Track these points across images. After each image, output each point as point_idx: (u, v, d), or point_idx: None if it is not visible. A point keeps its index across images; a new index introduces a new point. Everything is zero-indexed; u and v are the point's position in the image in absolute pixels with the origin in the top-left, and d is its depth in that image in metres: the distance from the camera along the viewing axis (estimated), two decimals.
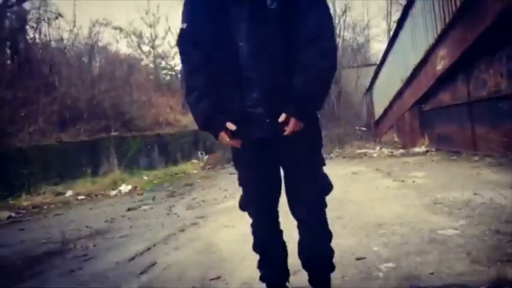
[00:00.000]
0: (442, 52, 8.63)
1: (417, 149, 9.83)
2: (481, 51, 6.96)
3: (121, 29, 15.61)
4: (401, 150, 10.06)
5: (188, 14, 1.58)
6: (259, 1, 1.44)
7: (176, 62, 20.36)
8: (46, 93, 8.81)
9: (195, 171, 9.92)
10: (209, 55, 1.52)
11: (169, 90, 14.50)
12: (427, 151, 9.30)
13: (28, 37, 10.59)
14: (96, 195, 6.88)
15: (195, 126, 10.83)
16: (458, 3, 7.57)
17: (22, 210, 5.79)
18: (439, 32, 8.65)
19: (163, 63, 20.14)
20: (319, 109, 1.56)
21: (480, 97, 7.11)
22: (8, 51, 10.26)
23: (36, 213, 5.61)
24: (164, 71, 19.23)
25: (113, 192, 7.02)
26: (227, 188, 6.27)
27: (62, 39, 11.08)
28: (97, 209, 5.54)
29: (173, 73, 19.34)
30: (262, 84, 1.46)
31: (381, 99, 15.28)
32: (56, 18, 10.40)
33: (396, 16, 26.61)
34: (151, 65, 18.99)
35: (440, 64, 8.65)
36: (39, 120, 8.15)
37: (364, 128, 15.36)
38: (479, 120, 7.33)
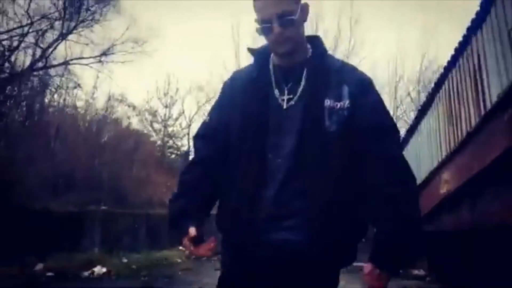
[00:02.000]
0: (446, 176, 8.57)
1: (415, 272, 9.31)
2: (489, 182, 6.88)
3: (134, 107, 16.12)
4: (401, 271, 9.50)
5: (216, 110, 1.44)
6: (315, 120, 1.26)
7: (184, 143, 20.80)
8: (45, 157, 8.73)
9: (179, 260, 9.37)
10: (221, 159, 1.35)
11: (170, 170, 14.45)
12: (425, 276, 8.81)
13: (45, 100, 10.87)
14: (66, 274, 6.37)
15: None
16: (463, 130, 7.71)
17: None
18: (443, 156, 8.71)
19: (171, 142, 20.53)
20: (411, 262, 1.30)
21: (485, 229, 6.85)
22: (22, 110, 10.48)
23: None
24: (170, 150, 19.47)
25: (85, 274, 6.52)
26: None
27: (76, 107, 11.37)
28: None
29: (178, 153, 19.59)
30: (312, 213, 1.21)
31: None
32: (75, 87, 10.79)
33: (398, 112, 27.56)
34: (159, 142, 19.33)
35: (444, 188, 8.54)
36: (32, 183, 7.95)
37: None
38: (480, 256, 6.97)
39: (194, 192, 1.34)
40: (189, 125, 20.59)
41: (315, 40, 1.39)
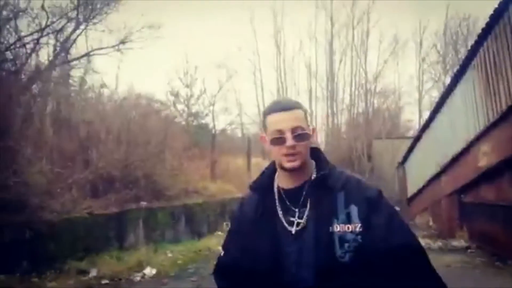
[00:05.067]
0: (485, 147, 8.34)
1: (455, 243, 9.28)
2: None
3: (162, 103, 16.21)
4: (439, 243, 9.51)
5: (229, 244, 1.46)
6: (326, 249, 1.22)
7: (208, 121, 20.89)
8: (81, 162, 8.95)
9: (220, 248, 9.64)
10: None
11: (200, 152, 14.58)
12: (467, 248, 8.77)
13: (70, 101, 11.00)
14: (120, 279, 6.68)
15: (223, 195, 10.65)
16: (502, 103, 7.40)
17: None
18: (481, 127, 8.43)
19: (195, 122, 20.65)
20: None
21: None
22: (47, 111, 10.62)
23: None
24: (196, 129, 19.61)
25: (138, 277, 6.81)
26: None
27: (103, 104, 11.47)
28: None
29: (204, 131, 19.71)
30: None
31: (415, 176, 14.89)
32: (102, 87, 10.84)
33: (428, 85, 26.78)
34: (184, 123, 19.46)
35: (483, 160, 8.33)
36: (72, 190, 8.21)
37: (397, 208, 14.80)
38: None
39: None
40: (213, 104, 20.62)
41: (318, 154, 1.40)
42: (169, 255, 8.49)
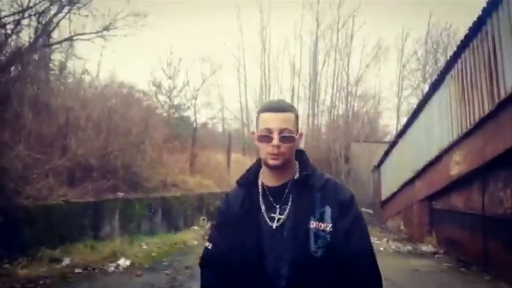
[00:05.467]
0: (457, 156, 8.67)
1: (424, 248, 9.61)
2: (500, 165, 6.97)
3: (144, 93, 16.05)
4: (409, 247, 9.83)
5: (216, 237, 1.53)
6: (302, 245, 1.34)
7: (189, 114, 20.79)
8: (59, 148, 8.83)
9: (195, 242, 9.72)
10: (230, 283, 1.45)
11: (180, 145, 14.52)
12: (435, 253, 9.10)
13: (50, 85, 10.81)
14: (93, 269, 6.66)
15: (201, 189, 10.62)
16: (475, 114, 7.70)
17: (17, 285, 5.58)
18: (455, 136, 8.75)
19: (177, 114, 20.51)
20: None
21: (495, 214, 7.02)
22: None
23: None
24: (177, 122, 19.49)
25: (111, 268, 6.80)
26: None
27: (84, 90, 11.32)
28: None
29: (185, 124, 19.60)
30: None
31: (389, 180, 15.27)
32: (83, 73, 10.68)
33: (407, 91, 27.38)
34: (165, 114, 19.30)
35: (455, 169, 8.66)
36: (49, 176, 8.10)
37: (370, 211, 15.18)
38: (493, 237, 7.18)
39: None
40: (195, 97, 20.52)
41: (301, 155, 1.50)
42: (144, 247, 8.49)
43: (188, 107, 20.87)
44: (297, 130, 1.44)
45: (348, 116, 24.88)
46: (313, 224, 1.34)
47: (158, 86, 20.30)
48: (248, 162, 18.96)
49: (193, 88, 20.61)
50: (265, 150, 1.40)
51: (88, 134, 9.87)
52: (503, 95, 6.47)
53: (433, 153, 10.02)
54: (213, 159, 15.61)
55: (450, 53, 11.08)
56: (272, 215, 1.40)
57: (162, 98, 20.41)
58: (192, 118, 20.33)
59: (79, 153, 8.99)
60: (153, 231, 9.78)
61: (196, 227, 10.92)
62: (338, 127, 23.84)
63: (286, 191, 1.42)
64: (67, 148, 9.11)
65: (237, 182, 1.53)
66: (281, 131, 1.37)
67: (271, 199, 1.43)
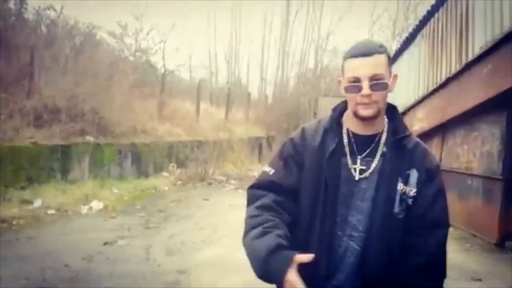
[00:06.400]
0: (420, 114, 9.11)
1: None
2: (458, 123, 7.43)
3: (115, 35, 15.30)
4: None
5: (283, 166, 1.39)
6: (386, 202, 1.27)
7: (157, 60, 20.15)
8: (25, 89, 8.48)
9: (166, 188, 9.88)
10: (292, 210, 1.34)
11: (149, 92, 14.24)
12: None
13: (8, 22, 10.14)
14: (66, 211, 6.71)
15: (170, 137, 10.65)
16: (442, 74, 8.04)
17: None
18: (420, 94, 9.15)
19: (144, 58, 19.83)
20: None
21: (452, 168, 7.56)
22: None
23: (7, 231, 5.40)
24: (145, 67, 18.90)
25: (84, 209, 6.88)
26: (203, 225, 6.35)
27: (49, 27, 10.71)
28: (70, 235, 5.42)
29: (153, 70, 19.05)
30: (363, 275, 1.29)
31: None
32: (48, 9, 10.04)
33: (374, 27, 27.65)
34: (131, 58, 18.63)
35: (417, 125, 9.12)
36: (15, 117, 7.83)
37: None
38: (448, 189, 7.74)
39: (280, 230, 1.23)
40: (164, 41, 19.79)
41: (393, 111, 1.38)
42: (115, 191, 8.56)
43: (156, 51, 20.20)
44: (390, 73, 1.29)
45: (317, 70, 25.00)
46: (400, 186, 1.27)
47: (124, 27, 19.41)
48: (215, 111, 18.94)
49: (161, 32, 19.81)
50: (354, 101, 1.26)
51: (55, 75, 9.49)
52: (470, 57, 6.77)
53: (400, 109, 10.43)
54: (181, 107, 15.46)
55: (420, 11, 11.25)
56: (354, 165, 1.31)
57: (128, 40, 19.60)
58: (160, 64, 19.77)
59: (46, 95, 8.68)
60: (123, 176, 9.82)
61: (166, 173, 11.03)
62: (307, 81, 23.98)
63: (373, 145, 1.32)
64: (33, 89, 8.76)
65: (320, 120, 1.41)
66: (371, 78, 1.22)
67: (355, 147, 1.33)
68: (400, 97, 10.41)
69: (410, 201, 1.28)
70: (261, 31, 27.17)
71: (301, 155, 1.37)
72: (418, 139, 1.37)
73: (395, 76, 1.33)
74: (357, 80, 1.23)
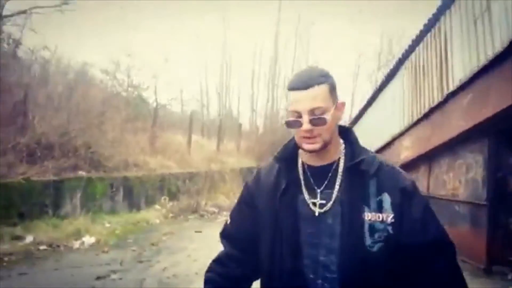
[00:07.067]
0: (406, 142, 9.38)
1: None
2: (443, 151, 7.67)
3: (107, 72, 15.65)
4: None
5: (237, 214, 1.40)
6: (354, 236, 1.16)
7: (149, 94, 20.48)
8: (18, 126, 8.59)
9: (157, 221, 9.88)
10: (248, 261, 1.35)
11: (141, 126, 14.40)
12: None
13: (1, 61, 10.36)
14: (58, 246, 6.68)
15: (162, 170, 10.71)
16: (425, 104, 8.36)
17: None
18: (405, 124, 9.44)
19: (136, 93, 20.14)
20: None
21: (440, 195, 7.72)
22: None
23: None
24: (137, 102, 19.17)
25: (76, 244, 6.86)
26: (196, 257, 6.36)
27: (43, 66, 10.94)
28: (63, 270, 5.41)
29: (145, 104, 19.32)
30: None
31: None
32: (42, 49, 10.32)
33: (362, 77, 28.50)
34: (124, 93, 18.91)
35: (404, 153, 9.37)
36: (8, 154, 7.89)
37: None
38: (438, 215, 7.88)
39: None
40: (155, 77, 20.21)
41: (348, 135, 1.29)
42: (107, 225, 8.54)
43: (148, 87, 20.56)
44: (334, 102, 1.19)
45: None
46: (368, 216, 1.16)
47: (117, 63, 19.81)
48: (206, 143, 19.11)
49: (153, 68, 20.25)
50: (298, 135, 1.19)
51: (48, 112, 9.63)
52: (451, 87, 7.09)
53: (386, 139, 10.71)
54: (173, 140, 15.60)
55: (404, 42, 11.76)
56: (313, 200, 1.21)
57: (120, 76, 19.97)
58: (152, 98, 20.06)
59: (40, 131, 8.79)
60: (115, 210, 9.80)
61: (158, 206, 11.03)
62: None
63: (330, 174, 1.22)
64: (26, 126, 8.87)
65: (275, 157, 1.31)
66: (311, 111, 1.14)
67: (312, 180, 1.24)
68: (386, 127, 10.74)
69: (390, 228, 1.15)
70: (251, 64, 27.73)
71: (254, 199, 1.33)
72: (382, 159, 1.25)
73: (342, 103, 1.23)
74: (298, 114, 1.16)
